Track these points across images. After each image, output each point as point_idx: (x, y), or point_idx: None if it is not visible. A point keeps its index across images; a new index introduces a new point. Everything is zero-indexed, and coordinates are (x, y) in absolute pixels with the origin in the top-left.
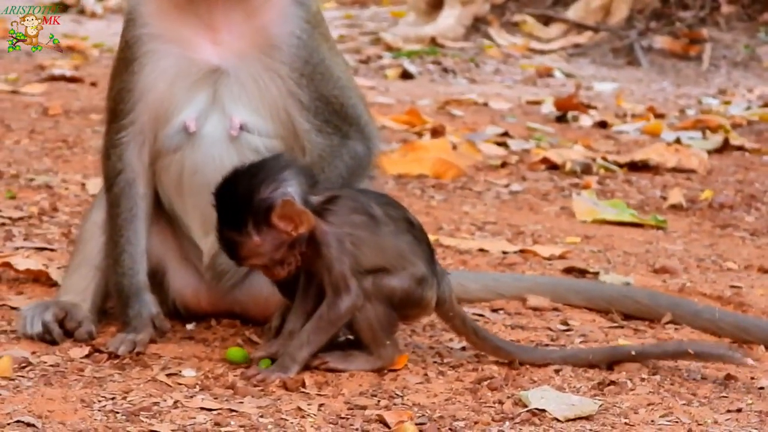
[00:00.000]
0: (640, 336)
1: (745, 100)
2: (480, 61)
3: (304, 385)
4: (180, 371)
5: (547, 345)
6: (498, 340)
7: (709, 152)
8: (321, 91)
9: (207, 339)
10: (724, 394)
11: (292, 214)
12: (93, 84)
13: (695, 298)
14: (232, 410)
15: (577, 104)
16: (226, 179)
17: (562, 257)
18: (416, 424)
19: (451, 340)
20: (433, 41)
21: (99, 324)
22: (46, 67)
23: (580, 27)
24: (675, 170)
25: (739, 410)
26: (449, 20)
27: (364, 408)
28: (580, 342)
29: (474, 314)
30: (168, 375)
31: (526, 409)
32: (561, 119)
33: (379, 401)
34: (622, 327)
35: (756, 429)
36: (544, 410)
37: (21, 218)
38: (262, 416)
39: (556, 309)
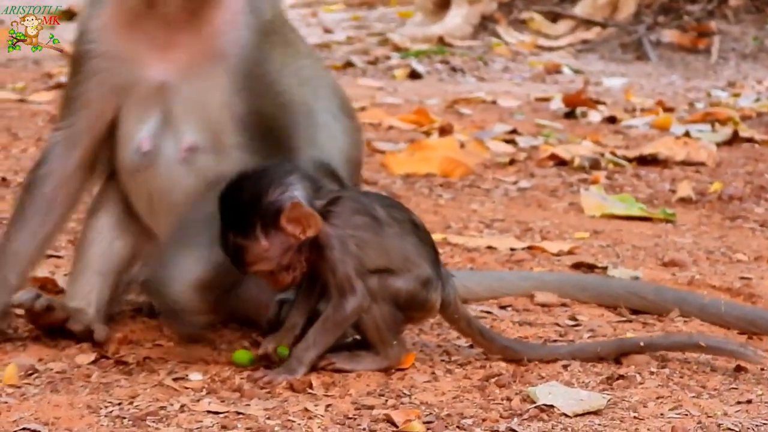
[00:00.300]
0: (649, 329)
1: (754, 92)
2: (488, 59)
3: (311, 386)
4: (187, 375)
5: (555, 341)
6: (505, 339)
7: (719, 144)
8: (258, 105)
9: (213, 342)
10: (734, 386)
11: (300, 217)
12: None
13: (705, 290)
14: (239, 413)
15: (586, 100)
16: (231, 184)
17: (570, 253)
18: (424, 423)
19: (458, 338)
20: (440, 41)
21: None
22: (53, 75)
23: (588, 23)
24: (684, 163)
25: (749, 401)
26: (457, 19)
27: (371, 408)
28: (589, 337)
29: (481, 311)
30: (174, 379)
31: (534, 405)
32: (570, 115)
33: (386, 401)
34: (630, 321)
35: (766, 420)
36: (552, 406)
37: None
38: (269, 418)
39: (564, 305)
